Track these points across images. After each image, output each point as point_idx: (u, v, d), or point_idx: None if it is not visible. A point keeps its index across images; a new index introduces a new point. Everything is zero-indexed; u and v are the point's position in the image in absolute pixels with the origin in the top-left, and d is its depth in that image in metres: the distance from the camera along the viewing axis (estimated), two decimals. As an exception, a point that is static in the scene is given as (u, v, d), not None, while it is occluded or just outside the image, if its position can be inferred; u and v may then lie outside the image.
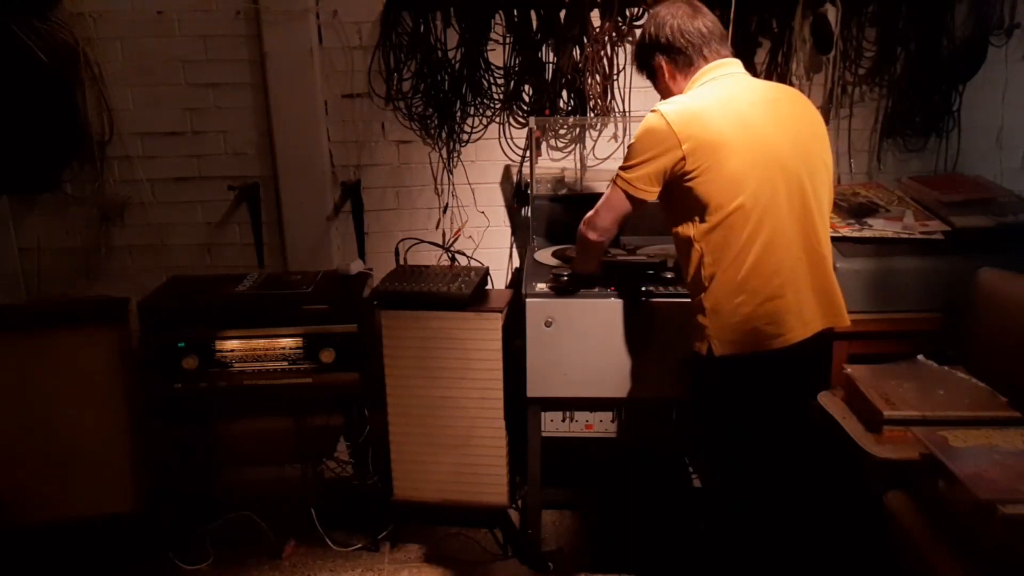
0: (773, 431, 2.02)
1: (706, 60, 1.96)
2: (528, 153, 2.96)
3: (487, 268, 2.83)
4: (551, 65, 2.90)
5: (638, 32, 2.84)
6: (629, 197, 1.95)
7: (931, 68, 2.92)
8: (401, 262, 2.91)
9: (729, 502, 2.14)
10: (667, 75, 2.02)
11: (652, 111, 1.91)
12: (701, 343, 1.91)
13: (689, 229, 1.88)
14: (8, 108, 2.68)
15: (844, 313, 1.96)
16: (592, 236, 2.09)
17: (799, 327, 1.86)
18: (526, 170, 2.99)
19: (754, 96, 1.92)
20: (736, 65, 1.97)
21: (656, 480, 2.83)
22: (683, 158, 1.83)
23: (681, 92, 1.98)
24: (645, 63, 2.07)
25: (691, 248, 1.89)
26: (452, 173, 3.04)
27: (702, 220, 1.85)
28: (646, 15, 2.82)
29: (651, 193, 1.92)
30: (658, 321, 2.32)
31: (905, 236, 2.45)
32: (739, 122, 1.84)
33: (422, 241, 2.95)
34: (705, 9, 2.00)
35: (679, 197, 1.89)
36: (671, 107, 1.89)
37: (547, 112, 2.91)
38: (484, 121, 2.99)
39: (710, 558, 2.21)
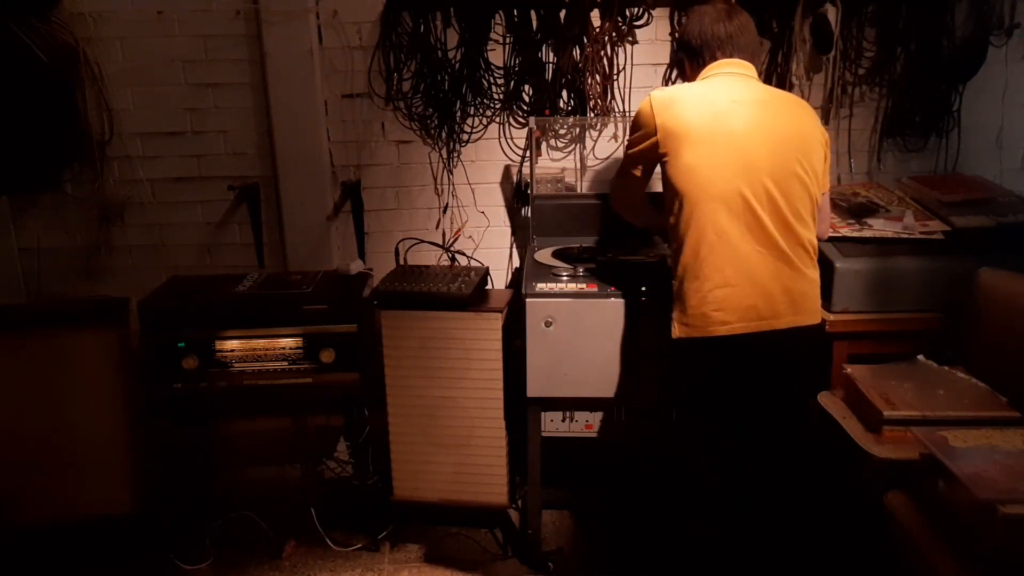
0: (748, 424, 2.06)
1: (714, 59, 2.06)
2: (528, 153, 2.96)
3: (487, 268, 2.83)
4: (551, 65, 2.90)
5: (638, 32, 2.87)
6: (629, 174, 2.13)
7: (931, 68, 2.91)
8: (401, 262, 2.91)
9: (725, 499, 2.15)
10: (687, 70, 2.15)
11: (623, 114, 2.10)
12: (670, 328, 2.03)
13: (667, 215, 2.02)
14: (8, 108, 2.68)
15: (816, 311, 2.03)
16: (614, 206, 2.36)
17: (752, 318, 1.93)
18: (526, 170, 2.99)
19: (740, 95, 1.99)
20: (740, 66, 2.05)
21: (656, 480, 2.83)
22: (657, 141, 1.99)
23: None
24: (672, 58, 2.24)
25: (668, 230, 2.04)
26: (452, 173, 3.04)
27: (672, 205, 1.99)
28: (646, 15, 2.83)
29: (636, 172, 2.11)
30: (658, 321, 2.32)
31: (905, 236, 2.45)
32: (711, 116, 1.95)
33: (422, 241, 2.95)
34: (738, 16, 2.08)
35: (663, 182, 2.02)
36: (659, 92, 2.05)
37: (547, 112, 2.91)
38: (484, 121, 2.99)
39: (710, 558, 2.21)
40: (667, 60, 2.91)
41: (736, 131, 1.94)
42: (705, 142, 1.93)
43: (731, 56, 2.05)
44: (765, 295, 1.94)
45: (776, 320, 1.95)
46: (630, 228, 2.52)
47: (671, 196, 1.99)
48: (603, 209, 2.85)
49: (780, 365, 2.04)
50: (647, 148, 2.03)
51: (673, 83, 2.87)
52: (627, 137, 2.12)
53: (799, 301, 1.97)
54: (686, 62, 2.14)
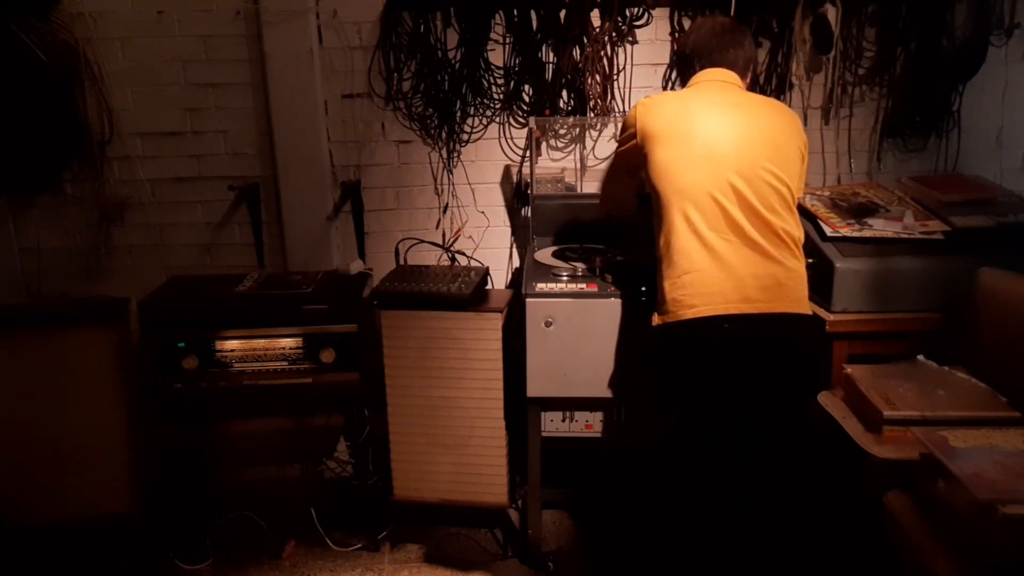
0: (740, 416, 2.09)
1: (702, 68, 2.17)
2: (528, 153, 2.96)
3: (487, 268, 2.83)
4: (551, 65, 2.90)
5: (638, 32, 2.87)
6: (619, 175, 2.32)
7: (931, 68, 2.92)
8: (401, 262, 2.91)
9: (724, 499, 2.15)
10: (685, 76, 2.25)
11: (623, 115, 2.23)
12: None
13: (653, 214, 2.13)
14: (8, 108, 2.67)
15: (799, 301, 2.05)
16: (601, 205, 2.47)
17: (719, 302, 1.98)
18: (526, 170, 2.99)
19: (715, 99, 2.11)
20: (723, 74, 2.15)
21: (656, 480, 2.83)
22: (637, 142, 2.13)
23: None
24: (675, 65, 2.37)
25: (654, 231, 2.13)
26: (452, 173, 3.04)
27: (655, 202, 2.10)
28: (646, 15, 2.83)
29: (623, 172, 2.27)
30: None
31: (905, 236, 2.45)
32: (682, 117, 2.07)
33: (422, 241, 2.95)
34: (733, 32, 2.18)
35: (645, 181, 2.14)
36: (644, 99, 2.17)
37: (547, 112, 2.91)
38: (484, 121, 2.99)
39: (710, 558, 2.21)
40: (667, 60, 2.92)
41: (702, 129, 2.04)
42: (674, 141, 2.05)
43: (718, 66, 2.16)
44: (734, 280, 1.98)
45: (746, 304, 1.98)
46: (630, 228, 2.52)
47: (652, 194, 2.10)
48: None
49: (760, 352, 2.05)
50: (630, 149, 2.16)
51: (672, 86, 2.89)
52: (619, 138, 2.27)
53: (772, 288, 1.99)
54: (679, 69, 2.29)
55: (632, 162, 2.18)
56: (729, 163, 2.00)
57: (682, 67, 2.25)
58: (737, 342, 2.01)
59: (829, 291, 2.34)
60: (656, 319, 2.08)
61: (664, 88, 2.93)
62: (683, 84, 2.25)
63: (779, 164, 2.03)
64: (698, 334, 2.01)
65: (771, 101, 2.22)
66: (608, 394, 2.42)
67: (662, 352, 2.14)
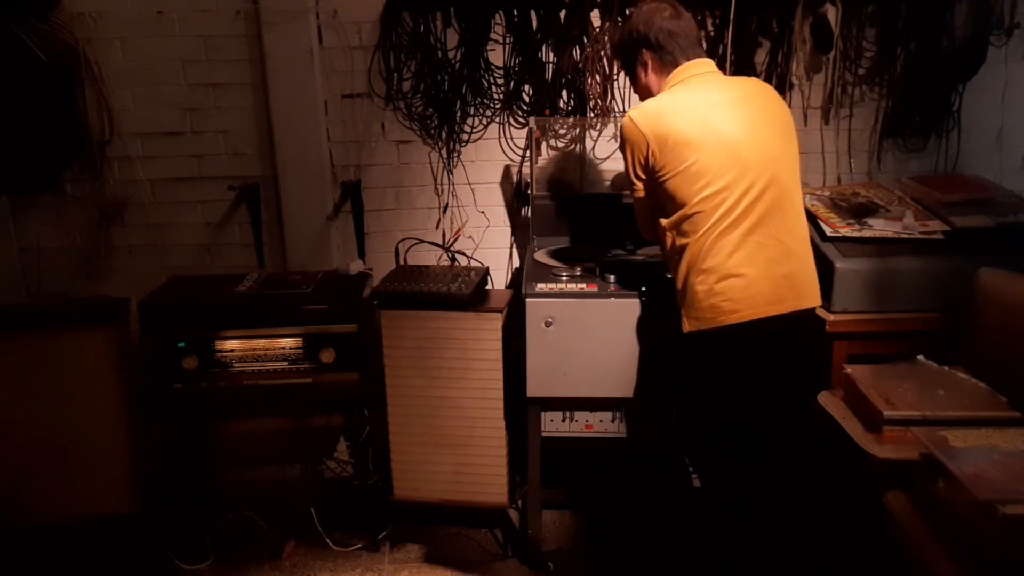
0: (753, 411, 2.10)
1: (683, 60, 2.12)
2: (528, 153, 2.96)
3: (487, 268, 2.83)
4: (551, 65, 2.90)
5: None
6: (636, 196, 2.16)
7: (931, 68, 2.92)
8: (401, 262, 2.91)
9: (724, 499, 2.15)
10: (649, 71, 2.16)
11: (623, 116, 2.11)
12: (680, 325, 2.08)
13: (664, 221, 2.08)
14: (8, 108, 2.68)
15: (816, 295, 2.09)
16: (643, 235, 2.28)
17: (759, 305, 1.98)
18: (526, 170, 2.99)
19: (717, 97, 2.06)
20: (707, 65, 2.13)
21: (656, 480, 2.83)
22: (652, 153, 2.03)
23: (657, 91, 2.15)
24: (629, 59, 2.20)
25: (665, 236, 2.09)
26: (452, 173, 3.04)
27: (674, 211, 2.04)
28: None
29: (640, 191, 2.13)
30: (658, 320, 2.33)
31: (905, 236, 2.45)
32: (700, 123, 2.01)
33: (422, 241, 2.95)
34: (684, 11, 2.14)
35: (658, 193, 2.08)
36: (638, 110, 2.09)
37: (547, 112, 2.92)
38: (484, 121, 3.00)
39: (710, 558, 2.21)
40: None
41: (723, 133, 2.01)
42: (697, 147, 1.99)
43: (692, 57, 2.11)
44: (769, 281, 1.99)
45: (780, 305, 2.00)
46: (630, 228, 2.51)
47: (669, 201, 2.05)
48: (603, 209, 2.86)
49: (780, 349, 2.09)
50: (643, 162, 2.07)
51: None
52: (624, 165, 2.15)
53: (799, 286, 2.04)
54: (651, 62, 2.13)
55: (648, 175, 2.08)
56: (752, 162, 1.99)
57: (656, 55, 2.11)
58: (769, 339, 2.04)
59: (829, 291, 2.33)
60: (690, 324, 2.04)
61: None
62: (645, 75, 2.15)
63: (789, 149, 2.08)
64: (739, 337, 2.00)
65: (753, 82, 2.20)
66: (607, 394, 2.42)
67: (692, 357, 2.13)
